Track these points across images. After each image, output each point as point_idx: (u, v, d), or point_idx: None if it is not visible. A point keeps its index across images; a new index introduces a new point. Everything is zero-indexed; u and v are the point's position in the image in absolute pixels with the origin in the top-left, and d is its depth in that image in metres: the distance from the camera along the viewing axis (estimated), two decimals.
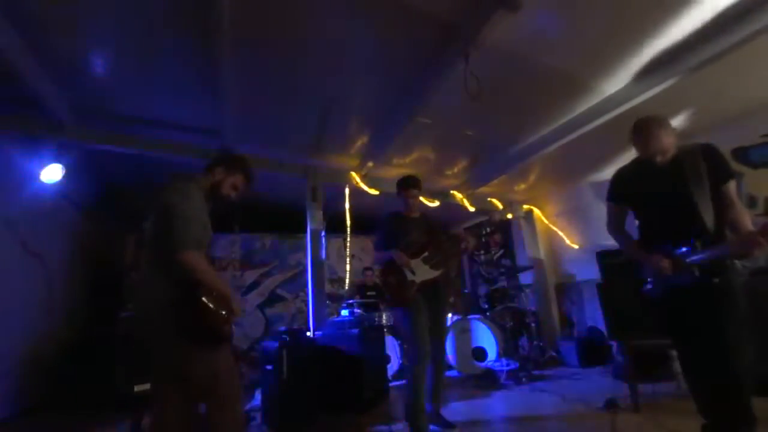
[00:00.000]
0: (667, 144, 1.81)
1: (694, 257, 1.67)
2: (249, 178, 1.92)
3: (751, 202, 3.73)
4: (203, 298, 1.51)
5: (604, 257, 3.33)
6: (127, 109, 3.25)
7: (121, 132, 3.41)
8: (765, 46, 2.68)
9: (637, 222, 2.04)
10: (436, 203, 5.12)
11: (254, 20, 2.40)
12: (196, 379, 1.55)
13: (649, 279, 1.87)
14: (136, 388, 2.43)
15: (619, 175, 2.03)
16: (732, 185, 1.76)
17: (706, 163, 1.77)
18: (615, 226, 2.03)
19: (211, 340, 1.56)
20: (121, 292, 4.78)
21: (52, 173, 3.18)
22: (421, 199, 4.84)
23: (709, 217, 1.70)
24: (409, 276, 2.60)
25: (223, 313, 1.59)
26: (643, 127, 1.84)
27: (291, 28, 2.50)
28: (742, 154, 3.85)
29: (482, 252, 7.07)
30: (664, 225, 1.82)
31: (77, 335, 4.28)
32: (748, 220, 1.73)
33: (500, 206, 5.78)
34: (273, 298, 5.26)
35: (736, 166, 3.86)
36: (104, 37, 2.51)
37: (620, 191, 2.01)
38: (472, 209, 5.48)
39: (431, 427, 2.50)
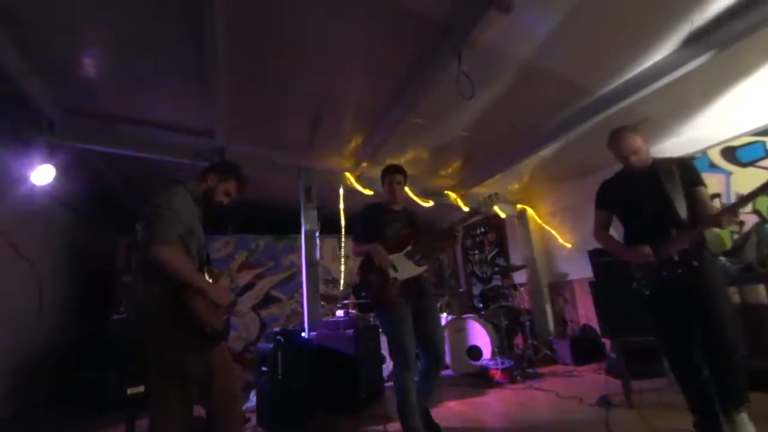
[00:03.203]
0: (637, 145, 2.06)
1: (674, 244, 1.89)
2: (242, 185, 1.97)
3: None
4: (187, 297, 1.52)
5: (596, 256, 3.37)
6: (118, 110, 3.22)
7: (113, 133, 3.37)
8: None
9: (622, 228, 2.23)
10: (431, 203, 5.14)
11: (248, 19, 2.39)
12: (193, 377, 1.56)
13: (635, 276, 2.06)
14: (129, 391, 2.42)
15: (605, 184, 2.30)
16: (703, 190, 1.99)
17: (679, 171, 2.03)
18: (601, 231, 2.27)
19: (202, 339, 1.56)
20: (114, 294, 4.74)
21: (42, 175, 3.14)
22: (416, 199, 4.91)
23: (683, 212, 1.95)
24: (391, 273, 2.35)
25: (212, 310, 1.60)
26: (614, 133, 2.13)
27: (284, 27, 2.49)
28: (730, 153, 3.91)
29: (476, 251, 7.11)
30: (645, 222, 2.03)
31: (69, 338, 4.24)
32: (711, 208, 1.95)
33: (495, 207, 5.80)
34: (268, 300, 5.24)
35: (724, 165, 3.93)
36: (95, 36, 2.49)
37: (606, 198, 2.27)
38: (466, 209, 5.51)
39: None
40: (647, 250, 1.93)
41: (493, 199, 2.42)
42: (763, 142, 3.67)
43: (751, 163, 3.75)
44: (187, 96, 3.10)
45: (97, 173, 4.28)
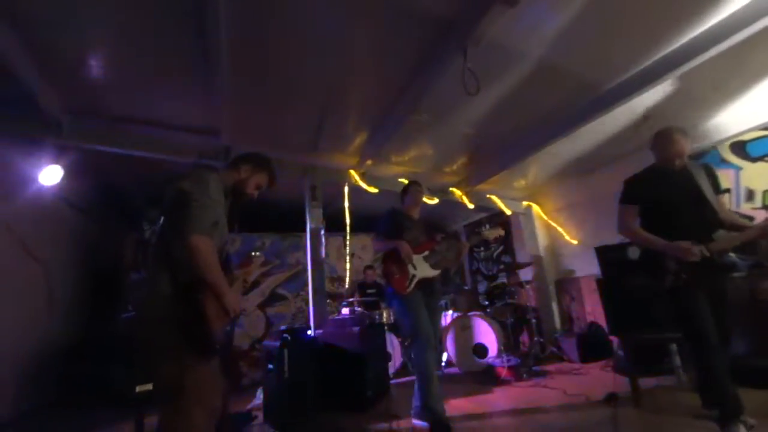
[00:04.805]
0: (686, 148, 2.13)
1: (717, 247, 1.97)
2: (273, 179, 1.88)
3: (749, 196, 3.74)
4: (202, 297, 1.41)
5: (603, 252, 3.33)
6: (125, 110, 3.24)
7: (119, 133, 3.40)
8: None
9: (641, 222, 2.23)
10: (436, 200, 5.13)
11: (251, 18, 2.40)
12: (162, 380, 1.43)
13: (671, 269, 2.02)
14: (138, 389, 2.43)
15: (638, 180, 2.27)
16: (724, 199, 2.20)
17: (708, 177, 2.13)
18: (630, 224, 2.23)
19: (196, 346, 1.42)
20: (122, 293, 4.78)
21: (51, 175, 3.18)
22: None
23: (720, 215, 2.06)
24: (411, 270, 2.69)
25: (220, 316, 1.47)
26: (666, 133, 2.16)
27: (288, 25, 2.49)
28: (740, 147, 3.85)
29: (482, 248, 7.09)
30: (687, 222, 2.05)
31: (78, 336, 4.29)
32: (744, 221, 2.14)
33: (501, 204, 5.78)
34: (274, 298, 5.26)
35: (734, 159, 3.87)
36: (101, 36, 2.50)
37: (640, 194, 2.23)
38: (471, 206, 5.49)
39: (416, 422, 2.52)
40: (696, 248, 1.94)
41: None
42: None
43: (761, 158, 3.69)
44: (192, 95, 3.11)
45: (105, 173, 4.33)
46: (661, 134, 2.18)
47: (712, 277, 1.99)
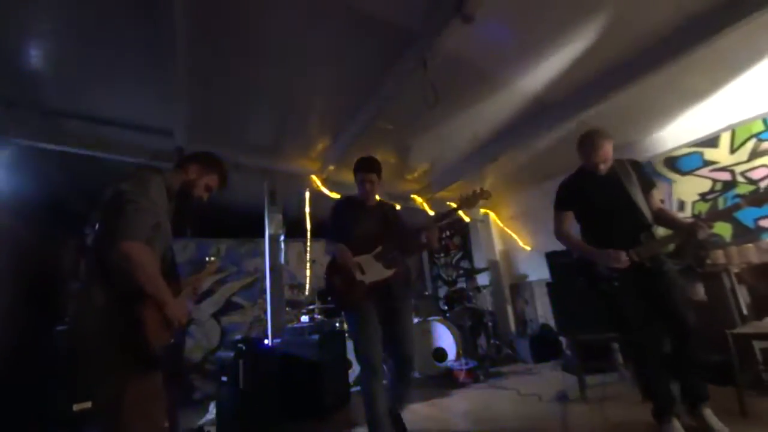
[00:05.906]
0: (610, 153, 2.07)
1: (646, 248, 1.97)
2: (225, 180, 1.77)
3: (680, 206, 4.10)
4: (141, 308, 1.31)
5: (552, 258, 3.52)
6: (68, 105, 3.01)
7: (59, 129, 3.14)
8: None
9: (579, 226, 2.25)
10: (397, 207, 5.17)
11: (210, 15, 2.32)
12: (100, 398, 1.33)
13: (603, 275, 2.04)
14: (75, 407, 2.24)
15: (565, 184, 2.28)
16: (656, 192, 2.14)
17: (635, 173, 2.08)
18: (563, 231, 2.23)
19: (136, 364, 1.32)
20: (59, 303, 4.40)
21: None
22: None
23: (648, 215, 2.02)
24: (358, 276, 2.19)
25: (161, 327, 1.37)
26: (589, 139, 2.10)
27: (249, 25, 2.44)
28: (671, 162, 4.23)
29: (442, 255, 7.24)
30: (610, 223, 2.06)
31: (9, 351, 3.89)
32: (679, 215, 2.07)
33: (460, 212, 5.94)
34: (229, 306, 5.05)
35: (666, 173, 4.24)
36: (43, 23, 2.30)
37: (567, 198, 2.24)
38: (431, 213, 5.60)
39: None
40: (623, 255, 1.95)
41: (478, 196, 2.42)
42: (701, 153, 3.99)
43: (690, 172, 4.07)
44: (143, 91, 2.95)
45: (44, 172, 3.97)
46: (584, 139, 2.11)
47: (647, 281, 1.98)
